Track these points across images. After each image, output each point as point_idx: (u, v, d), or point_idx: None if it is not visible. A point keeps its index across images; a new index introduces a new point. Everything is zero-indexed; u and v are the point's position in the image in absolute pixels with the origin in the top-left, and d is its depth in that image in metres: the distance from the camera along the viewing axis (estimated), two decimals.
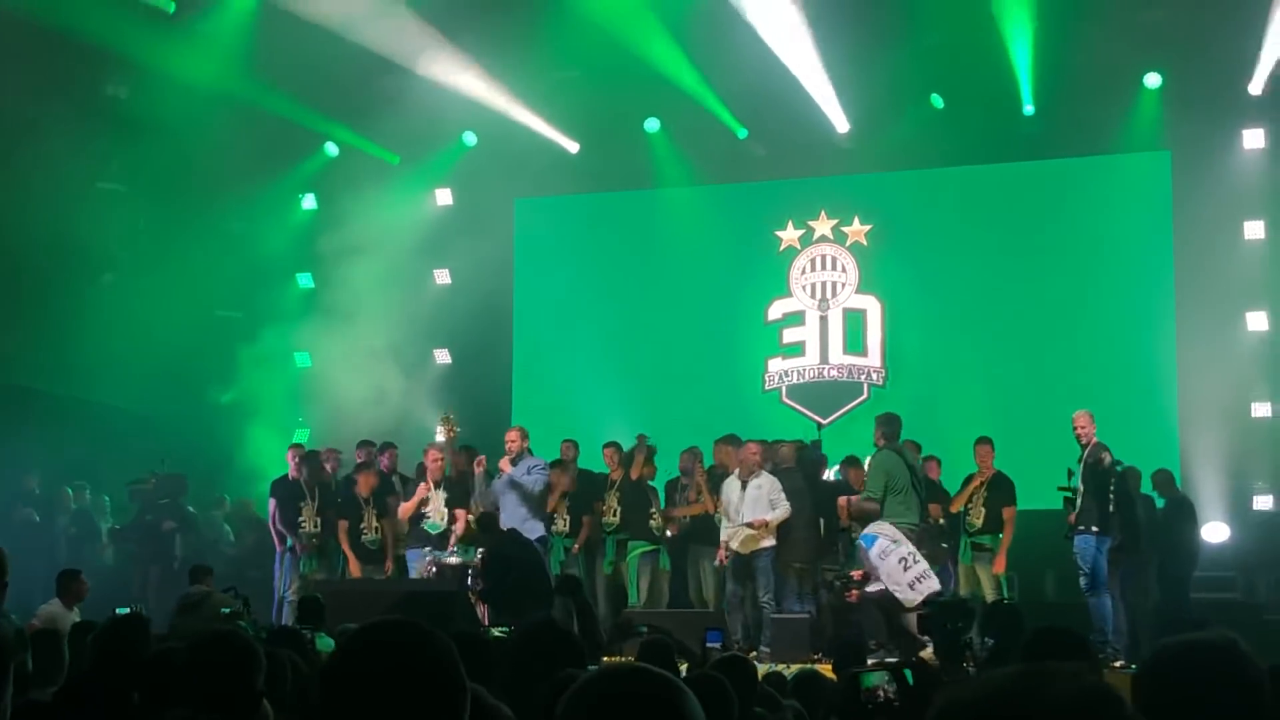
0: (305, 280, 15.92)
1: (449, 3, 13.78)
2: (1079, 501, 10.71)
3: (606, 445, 12.78)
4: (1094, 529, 10.62)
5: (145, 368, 14.23)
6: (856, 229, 15.15)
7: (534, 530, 11.53)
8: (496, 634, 9.16)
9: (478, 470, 11.93)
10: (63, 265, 14.20)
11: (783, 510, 11.49)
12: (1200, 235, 13.77)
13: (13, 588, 5.55)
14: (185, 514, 14.19)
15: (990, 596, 11.30)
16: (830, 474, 12.83)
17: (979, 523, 11.71)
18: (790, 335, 15.21)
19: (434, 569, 11.20)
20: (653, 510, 12.44)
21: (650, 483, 12.60)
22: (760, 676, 5.73)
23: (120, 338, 13.87)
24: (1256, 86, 13.58)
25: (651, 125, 15.37)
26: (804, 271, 15.28)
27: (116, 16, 12.96)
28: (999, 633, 7.88)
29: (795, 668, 8.55)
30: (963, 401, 13.98)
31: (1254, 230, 13.80)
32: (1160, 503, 12.45)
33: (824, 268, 15.24)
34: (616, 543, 12.55)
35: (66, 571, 10.05)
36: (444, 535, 11.73)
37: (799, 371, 15.12)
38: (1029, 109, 14.13)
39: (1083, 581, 10.68)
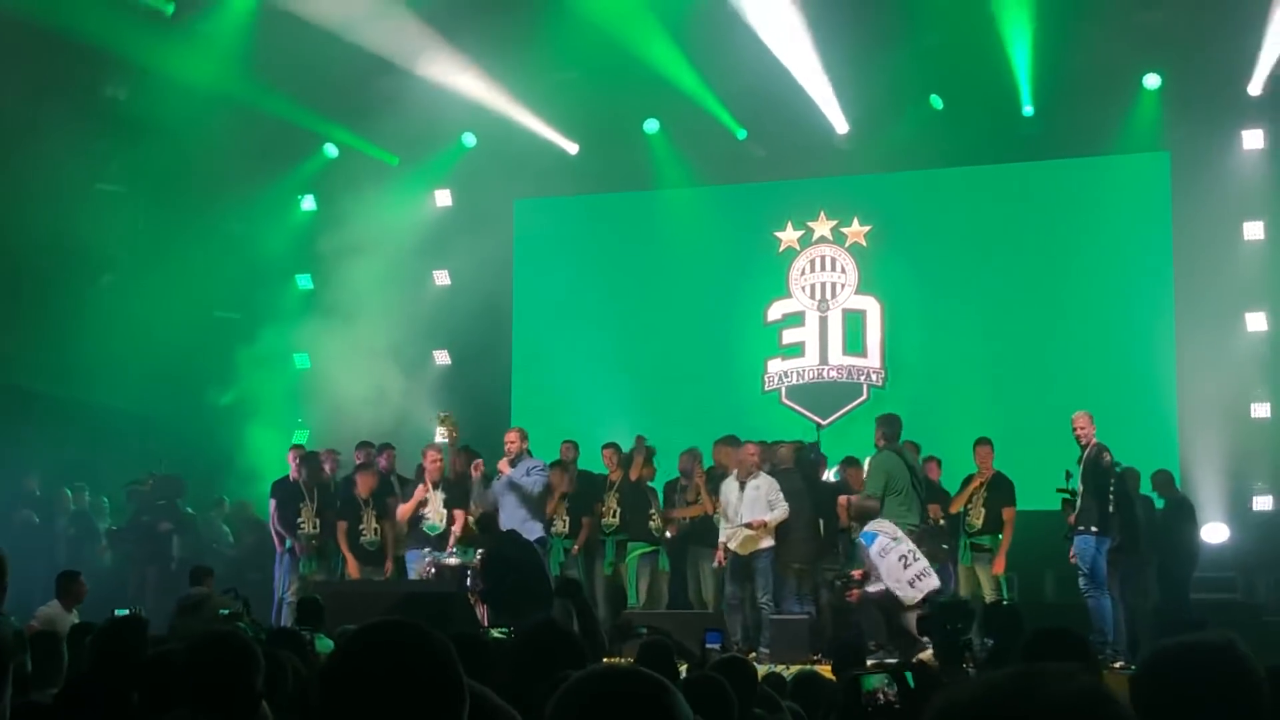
0: (305, 281, 15.93)
1: (448, 4, 13.78)
2: (1078, 502, 10.72)
3: (605, 446, 12.78)
4: (1093, 529, 10.62)
5: (145, 369, 14.23)
6: (856, 230, 15.15)
7: (533, 531, 11.53)
8: (496, 635, 9.15)
9: (475, 474, 11.93)
10: (62, 266, 14.20)
11: (781, 511, 11.50)
12: (1199, 236, 13.77)
13: (12, 589, 5.55)
14: (182, 515, 14.19)
15: (990, 597, 11.30)
16: (829, 475, 12.82)
17: (978, 523, 11.71)
18: (790, 336, 15.21)
19: (433, 570, 11.19)
20: (652, 511, 12.43)
21: (650, 484, 12.59)
22: (759, 677, 5.72)
23: (120, 339, 13.86)
24: (1256, 87, 13.59)
25: (651, 126, 15.37)
26: (803, 272, 15.28)
27: (115, 18, 12.96)
28: (999, 633, 7.88)
29: (794, 668, 8.55)
30: (962, 402, 13.99)
31: (1253, 231, 13.80)
32: (1160, 503, 12.45)
33: (823, 268, 15.24)
34: (616, 544, 12.55)
35: (66, 573, 10.04)
36: (443, 536, 11.72)
37: (798, 372, 15.13)
38: (1028, 110, 14.14)
39: (1082, 582, 10.68)
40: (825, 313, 15.16)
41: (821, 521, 12.04)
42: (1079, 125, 14.13)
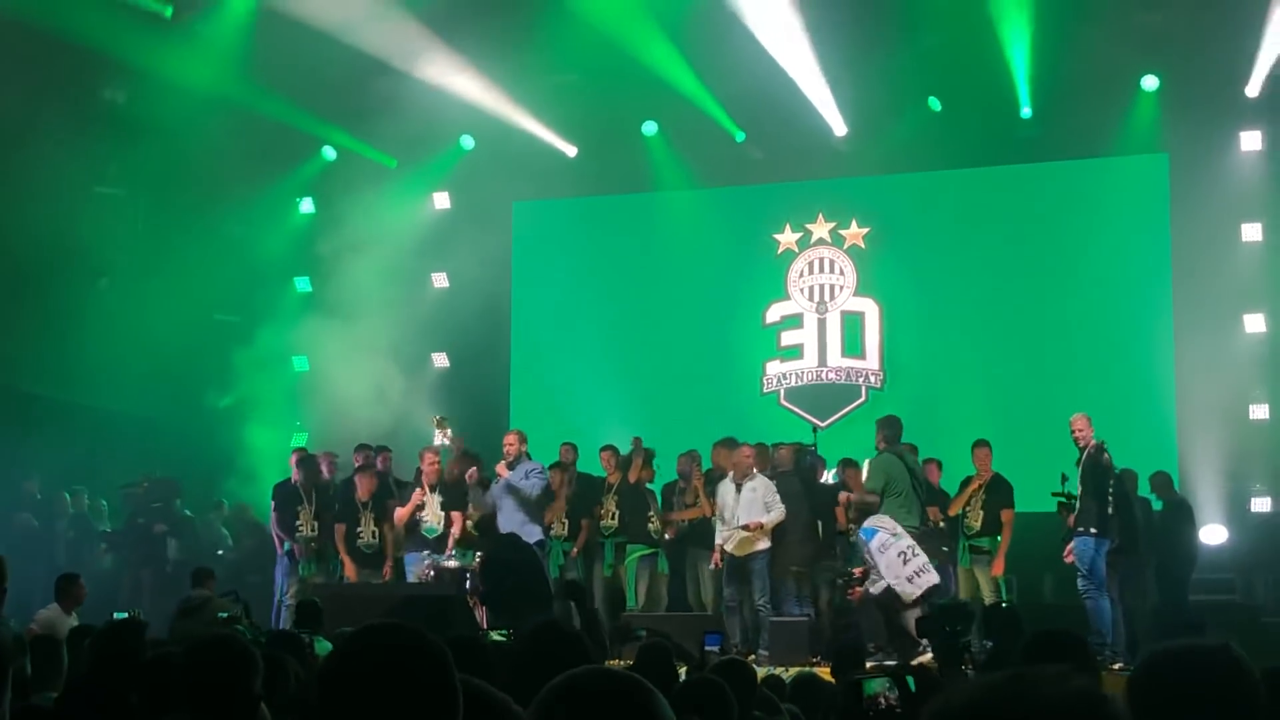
0: (303, 284, 15.92)
1: (446, 6, 13.78)
2: (1077, 504, 10.72)
3: (603, 449, 12.78)
4: (1092, 530, 10.62)
5: (144, 371, 14.23)
6: (854, 232, 15.16)
7: (532, 534, 11.54)
8: (495, 637, 9.15)
9: (470, 480, 11.93)
10: (62, 269, 14.19)
11: (777, 513, 11.50)
12: (1198, 237, 13.78)
13: (12, 592, 5.55)
14: (178, 518, 14.18)
15: (989, 599, 11.30)
16: (828, 476, 12.83)
17: (977, 525, 11.71)
18: (788, 338, 15.21)
19: (432, 573, 11.19)
20: (651, 513, 12.43)
21: (649, 486, 12.60)
22: (759, 680, 5.72)
23: (119, 341, 13.87)
24: (1254, 89, 13.60)
25: (649, 128, 15.37)
26: (802, 274, 15.29)
27: (114, 20, 12.96)
28: (998, 635, 7.89)
29: (794, 671, 8.55)
30: (961, 404, 13.99)
31: (1251, 232, 13.80)
32: (1158, 505, 12.45)
33: (822, 270, 15.25)
34: (615, 546, 12.55)
35: (65, 576, 10.04)
36: (442, 539, 11.72)
37: (797, 374, 15.13)
38: (1026, 111, 14.14)
39: (1080, 583, 10.68)
40: (824, 315, 15.17)
41: (820, 524, 12.05)
42: (1077, 127, 14.14)
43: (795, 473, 12.15)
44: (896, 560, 10.59)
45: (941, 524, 11.84)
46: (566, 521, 12.52)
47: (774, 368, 15.18)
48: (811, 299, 15.23)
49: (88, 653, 5.40)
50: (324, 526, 12.40)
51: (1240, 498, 13.52)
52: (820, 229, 15.27)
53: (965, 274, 14.80)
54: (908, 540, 10.69)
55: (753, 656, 10.81)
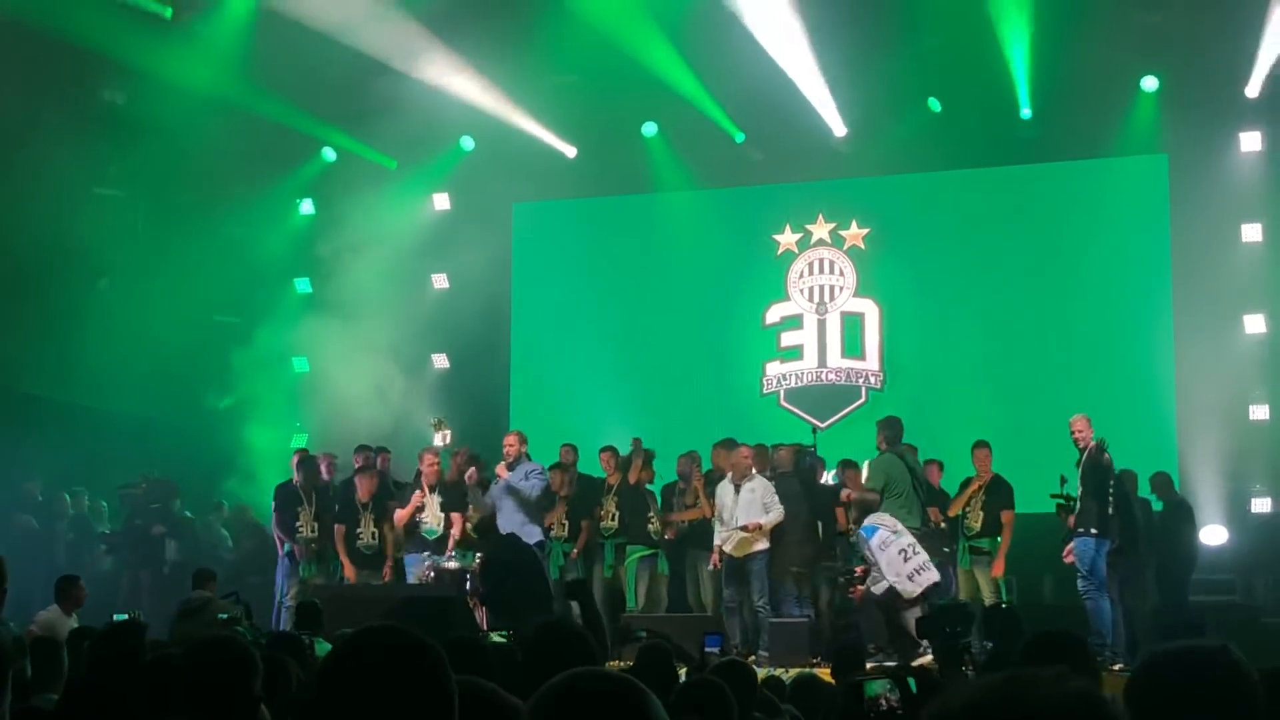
0: (303, 285, 15.92)
1: (446, 7, 13.78)
2: (1078, 505, 10.72)
3: (603, 450, 12.79)
4: (1093, 531, 10.62)
5: (144, 373, 14.23)
6: (854, 233, 15.16)
7: (532, 535, 11.54)
8: (495, 639, 9.15)
9: (470, 480, 11.93)
10: (62, 270, 14.19)
11: (776, 514, 11.50)
12: (1198, 238, 13.78)
13: (12, 593, 5.55)
14: (177, 519, 14.17)
15: (989, 600, 11.31)
16: (828, 477, 12.83)
17: (977, 526, 11.71)
18: (788, 339, 15.21)
19: (432, 574, 11.19)
20: (651, 514, 12.44)
21: (649, 487, 12.60)
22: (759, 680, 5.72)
23: (119, 343, 13.86)
24: (1253, 89, 13.60)
25: (649, 129, 15.37)
26: (801, 275, 15.29)
27: (114, 21, 12.96)
28: (998, 636, 7.88)
29: (794, 672, 8.54)
30: (961, 405, 13.99)
31: (1251, 233, 13.81)
32: (1158, 506, 12.45)
33: (821, 271, 15.25)
34: (615, 547, 12.55)
35: (65, 577, 10.04)
36: (442, 540, 11.72)
37: (797, 375, 15.13)
38: (1026, 112, 14.14)
39: (1080, 584, 10.68)
40: (823, 315, 15.17)
41: (820, 524, 12.05)
42: (1077, 128, 14.14)
43: (794, 474, 12.16)
44: (897, 558, 10.60)
45: (943, 525, 11.83)
46: (566, 523, 12.52)
47: (774, 368, 15.18)
48: (811, 300, 15.23)
49: (87, 654, 5.40)
50: (324, 527, 12.40)
51: (1240, 498, 13.51)
52: (820, 230, 15.28)
53: (965, 275, 14.81)
54: (908, 538, 10.70)
55: (753, 657, 10.82)
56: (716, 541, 11.68)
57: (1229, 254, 13.77)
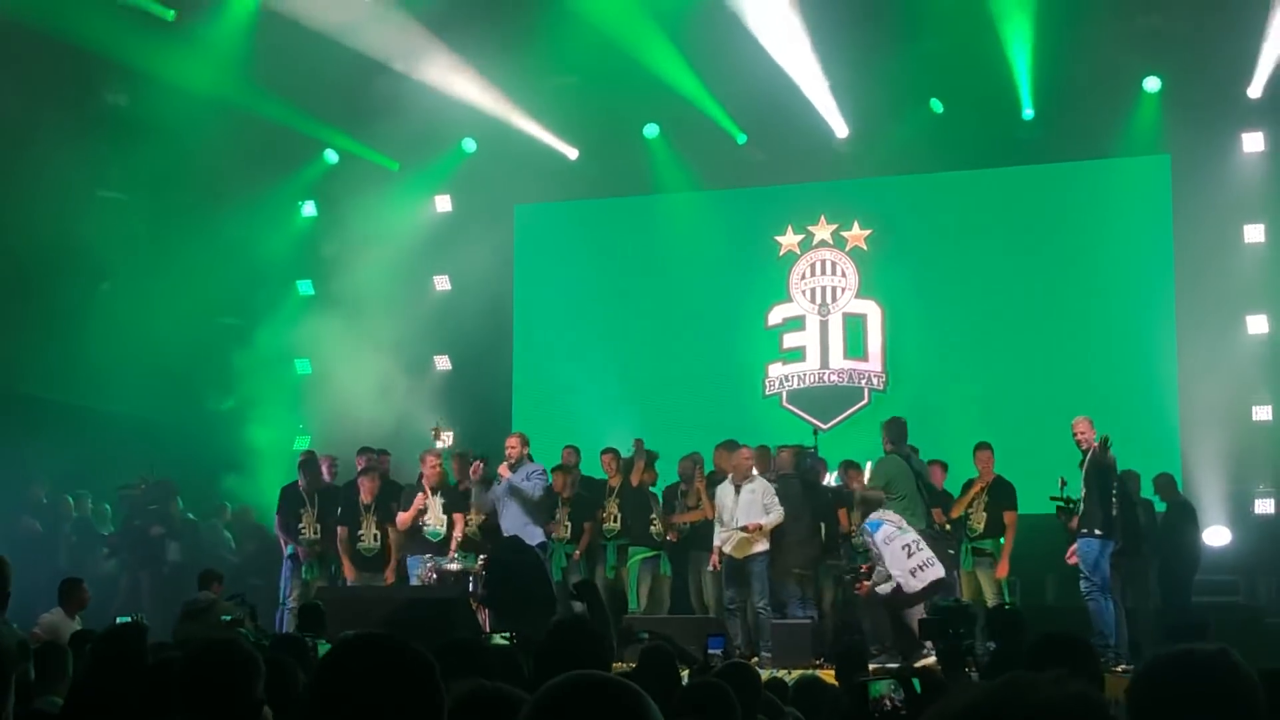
0: (305, 287, 15.93)
1: (448, 9, 13.79)
2: (1080, 506, 10.72)
3: (604, 451, 12.79)
4: (1097, 532, 10.62)
5: (147, 375, 14.23)
6: (856, 234, 15.16)
7: (534, 536, 11.54)
8: (497, 640, 9.15)
9: (474, 476, 11.93)
10: (64, 273, 14.20)
11: (776, 515, 11.49)
12: (1200, 239, 13.78)
13: (15, 596, 5.55)
14: (176, 520, 14.17)
15: (992, 601, 11.30)
16: (830, 479, 12.84)
17: (980, 528, 11.71)
18: (790, 340, 15.21)
19: (435, 575, 11.19)
20: (653, 516, 12.44)
21: (651, 489, 12.60)
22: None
23: (121, 345, 13.87)
24: (1256, 90, 13.59)
25: (651, 131, 15.38)
26: (804, 276, 15.29)
27: (116, 24, 12.97)
28: (1001, 638, 7.88)
29: (796, 673, 8.55)
30: (963, 406, 13.98)
31: (1254, 234, 13.80)
32: (1161, 506, 12.45)
33: (824, 272, 15.25)
34: (617, 549, 12.55)
35: (69, 580, 10.05)
36: (444, 542, 11.72)
37: (799, 376, 15.13)
38: (1028, 113, 14.14)
39: (1083, 585, 10.68)
40: (826, 317, 15.17)
41: (823, 526, 12.06)
42: (1079, 128, 14.13)
43: (795, 475, 12.15)
44: (901, 553, 10.60)
45: (948, 527, 11.82)
46: (569, 524, 12.52)
47: (776, 370, 15.18)
48: (813, 301, 15.23)
49: (88, 657, 5.40)
50: (326, 529, 12.41)
51: (1243, 499, 13.51)
52: (822, 231, 15.28)
53: (967, 276, 14.80)
54: (913, 534, 10.71)
55: (755, 659, 10.81)
56: (716, 542, 11.68)
57: (1232, 255, 13.77)
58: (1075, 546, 10.74)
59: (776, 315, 15.28)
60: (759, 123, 14.95)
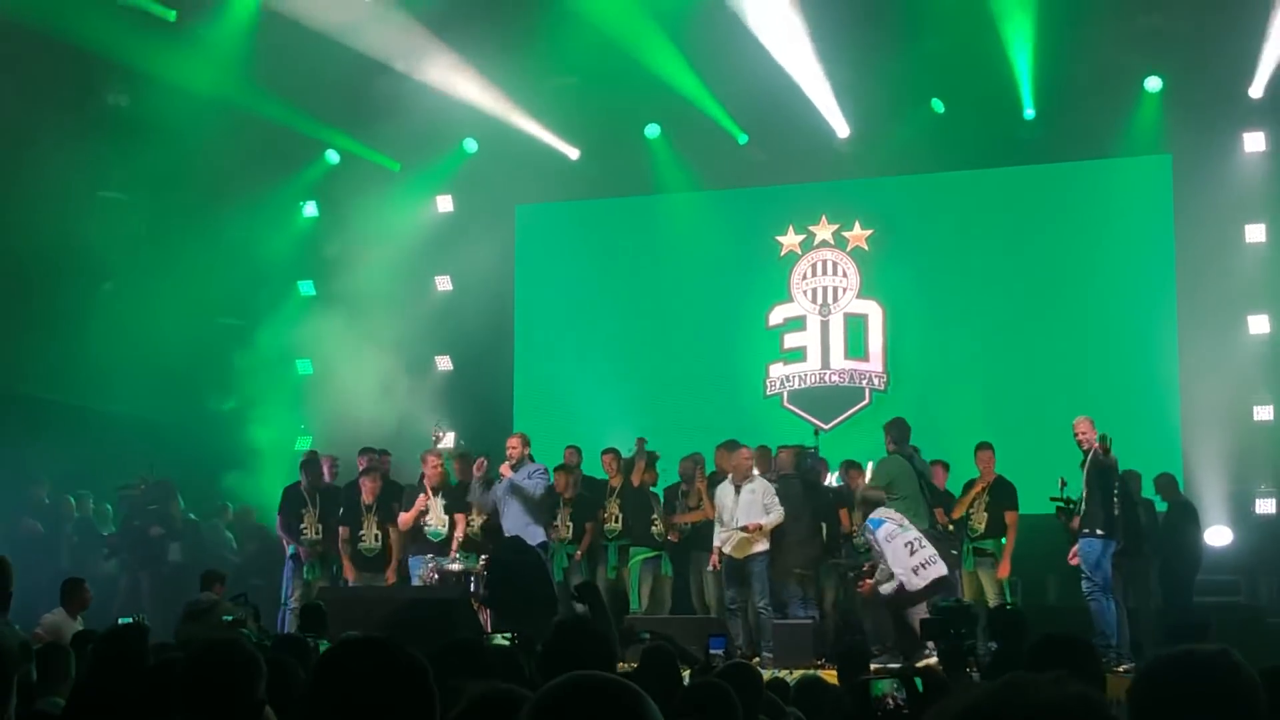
0: (307, 288, 15.94)
1: (448, 9, 13.79)
2: (1082, 507, 10.72)
3: (605, 452, 12.79)
4: (1099, 532, 10.62)
5: (148, 375, 14.24)
6: (857, 234, 15.16)
7: (535, 536, 11.54)
8: (498, 640, 9.15)
9: (477, 473, 11.93)
10: (66, 274, 14.21)
11: (776, 515, 11.50)
12: (1201, 239, 13.78)
13: (18, 596, 5.55)
14: (176, 520, 14.17)
15: (993, 601, 11.30)
16: (832, 479, 12.84)
17: (981, 528, 11.71)
18: (791, 340, 15.21)
19: (436, 575, 11.19)
20: (654, 516, 12.44)
21: (652, 489, 12.61)
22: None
23: (123, 345, 13.88)
24: (1257, 90, 13.59)
25: (652, 131, 15.38)
26: (805, 276, 15.29)
27: (117, 25, 12.98)
28: (1002, 638, 7.88)
29: (798, 673, 8.55)
30: (964, 406, 13.98)
31: (1255, 233, 13.80)
32: (1162, 506, 12.45)
33: (825, 273, 15.25)
34: (618, 549, 12.56)
35: (70, 580, 10.05)
36: (446, 542, 11.73)
37: (800, 377, 15.13)
38: (1029, 113, 14.14)
39: (1084, 585, 10.68)
40: (827, 317, 15.17)
41: (825, 526, 12.06)
42: (1080, 128, 14.13)
43: (796, 475, 12.15)
44: (903, 550, 10.60)
45: (950, 527, 11.82)
46: (571, 524, 12.52)
47: (777, 370, 15.18)
48: (815, 301, 15.23)
49: (89, 658, 5.41)
50: (328, 530, 12.41)
51: (1244, 499, 13.51)
52: (823, 231, 15.27)
53: (968, 276, 14.80)
54: (914, 532, 10.71)
55: (757, 659, 10.81)
56: (716, 542, 11.69)
57: (1233, 254, 13.77)
58: (1077, 547, 10.74)
59: (777, 315, 15.28)
60: (760, 123, 14.95)
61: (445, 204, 16.14)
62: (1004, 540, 11.62)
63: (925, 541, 10.71)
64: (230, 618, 8.91)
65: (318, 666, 2.33)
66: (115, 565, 14.12)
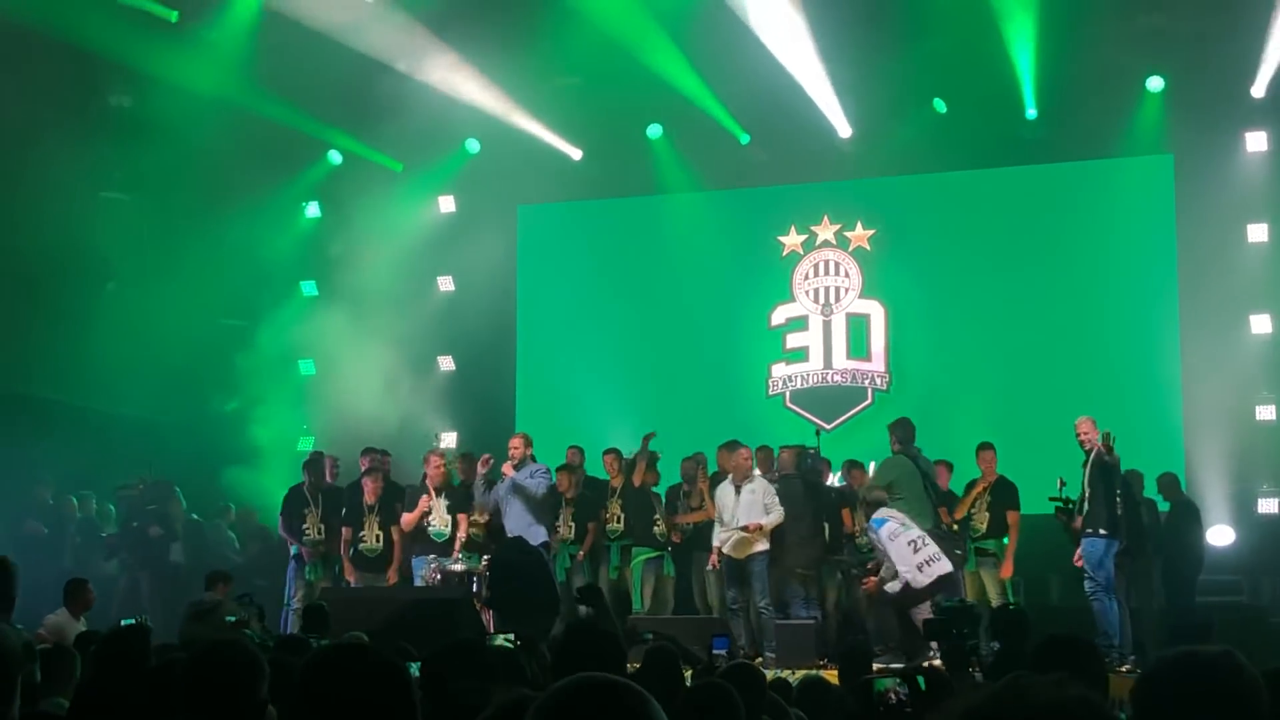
0: (309, 288, 15.95)
1: (450, 9, 13.80)
2: (1084, 507, 10.72)
3: (606, 452, 12.80)
4: (1102, 531, 10.62)
5: (151, 376, 14.26)
6: (859, 234, 15.16)
7: (537, 536, 11.54)
8: (500, 641, 9.15)
9: (481, 469, 11.93)
10: (69, 274, 14.23)
11: (776, 515, 11.50)
12: (1203, 238, 13.77)
13: (21, 597, 5.55)
14: (177, 520, 14.17)
15: (995, 601, 11.30)
16: (834, 479, 12.84)
17: (983, 528, 11.72)
18: (793, 340, 15.21)
19: (439, 576, 11.20)
20: (656, 516, 12.44)
21: (654, 489, 12.61)
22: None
23: (127, 346, 13.89)
24: (1259, 89, 13.59)
25: (654, 131, 15.39)
26: (807, 276, 15.29)
27: (120, 26, 12.99)
28: (1005, 638, 7.88)
29: (800, 674, 8.55)
30: (966, 406, 13.98)
31: (1257, 233, 13.80)
32: (1165, 506, 12.44)
33: (827, 273, 15.25)
34: (620, 549, 12.56)
35: (74, 581, 10.06)
36: (448, 542, 11.74)
37: (802, 377, 15.13)
38: (1031, 113, 14.14)
39: (1087, 585, 10.68)
40: (829, 317, 15.17)
41: (827, 526, 12.05)
42: (1082, 128, 14.13)
43: (797, 475, 12.15)
44: (906, 549, 10.61)
45: (954, 527, 11.82)
46: (573, 525, 12.53)
47: (779, 370, 15.18)
48: (817, 301, 15.23)
49: (92, 658, 5.41)
50: (330, 530, 12.42)
51: (1247, 499, 13.50)
52: (825, 231, 15.27)
53: (970, 275, 14.80)
54: (917, 530, 10.71)
55: (759, 659, 10.81)
56: (715, 542, 11.69)
57: (1235, 254, 13.77)
58: (1081, 549, 10.74)
59: (780, 315, 15.28)
60: (762, 123, 14.95)
61: (447, 204, 16.15)
62: (1006, 540, 11.63)
63: (928, 539, 10.71)
64: (234, 618, 8.91)
65: (300, 673, 2.36)
66: (115, 566, 14.13)
